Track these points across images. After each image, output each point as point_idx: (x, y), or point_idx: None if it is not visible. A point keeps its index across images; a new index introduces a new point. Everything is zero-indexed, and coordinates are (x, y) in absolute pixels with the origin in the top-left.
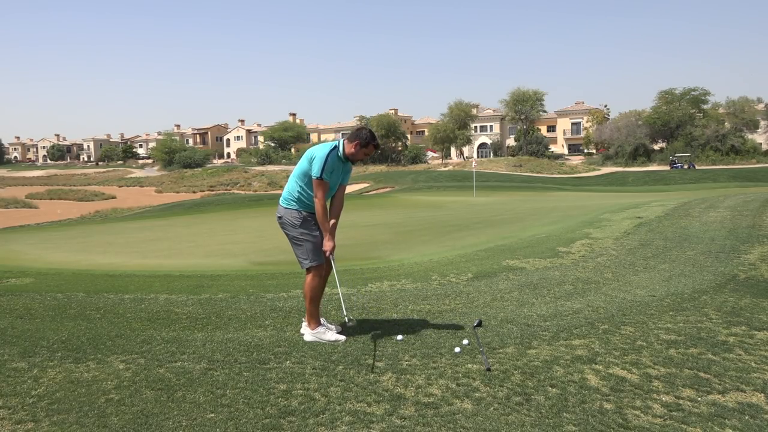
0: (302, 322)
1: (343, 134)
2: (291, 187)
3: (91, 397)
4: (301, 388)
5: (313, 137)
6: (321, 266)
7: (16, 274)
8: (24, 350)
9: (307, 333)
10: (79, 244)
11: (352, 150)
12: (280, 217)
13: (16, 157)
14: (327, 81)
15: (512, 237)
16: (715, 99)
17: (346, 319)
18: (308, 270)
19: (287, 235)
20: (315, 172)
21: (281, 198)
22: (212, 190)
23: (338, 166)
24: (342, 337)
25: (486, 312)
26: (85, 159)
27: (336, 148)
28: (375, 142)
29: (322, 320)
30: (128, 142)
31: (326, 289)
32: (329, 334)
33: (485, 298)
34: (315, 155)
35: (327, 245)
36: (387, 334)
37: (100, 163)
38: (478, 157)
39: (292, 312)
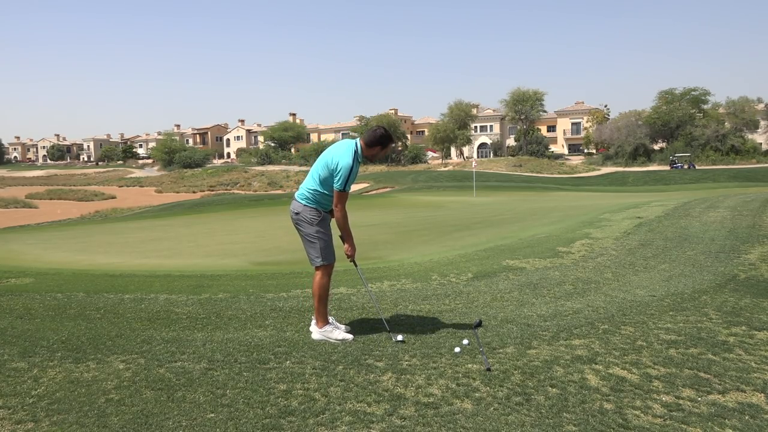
0: (312, 320)
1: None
2: (311, 188)
3: (91, 397)
4: (301, 388)
5: (313, 137)
6: (331, 265)
7: (16, 274)
8: (24, 350)
9: (315, 332)
10: (79, 244)
11: (373, 152)
12: (297, 213)
13: (16, 157)
14: (327, 81)
15: (512, 237)
16: (715, 99)
17: (392, 336)
18: (318, 268)
19: (301, 232)
20: (339, 185)
21: (298, 195)
22: (212, 190)
23: (357, 169)
24: (350, 336)
25: (486, 312)
26: (85, 159)
27: (356, 152)
28: (393, 142)
29: (330, 319)
30: (128, 142)
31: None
32: (337, 332)
33: (485, 298)
34: (339, 166)
35: (350, 251)
36: (387, 334)
37: (100, 163)
38: (478, 157)
39: (292, 312)
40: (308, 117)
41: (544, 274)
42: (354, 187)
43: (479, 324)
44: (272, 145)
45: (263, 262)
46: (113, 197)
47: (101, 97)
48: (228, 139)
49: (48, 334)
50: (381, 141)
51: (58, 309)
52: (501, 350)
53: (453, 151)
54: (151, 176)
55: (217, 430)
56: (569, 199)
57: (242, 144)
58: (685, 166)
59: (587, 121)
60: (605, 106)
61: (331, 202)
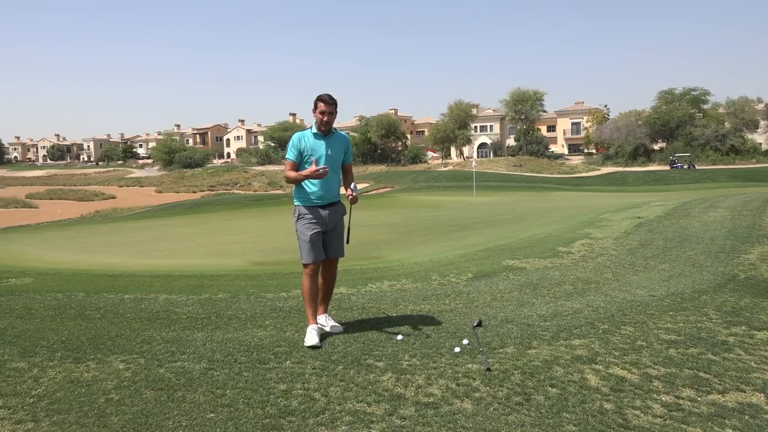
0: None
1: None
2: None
3: (91, 397)
4: (301, 388)
5: None
6: (310, 267)
7: (16, 274)
8: (24, 350)
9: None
10: (79, 244)
11: (317, 116)
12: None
13: (16, 157)
14: (327, 81)
15: (512, 237)
16: (715, 99)
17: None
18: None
19: None
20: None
21: None
22: (212, 190)
23: (316, 143)
24: (317, 344)
25: (486, 312)
26: (85, 159)
27: (308, 129)
28: (319, 96)
29: (324, 317)
30: (128, 142)
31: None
32: (310, 337)
33: (485, 298)
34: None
35: (313, 171)
36: (387, 334)
37: (100, 163)
38: (478, 157)
39: (292, 312)
40: (308, 117)
41: (544, 274)
42: None
43: (479, 324)
44: (272, 145)
45: (263, 262)
46: (113, 197)
47: (101, 97)
48: (228, 139)
49: (48, 334)
50: (315, 102)
51: (58, 309)
52: (501, 350)
53: (453, 151)
54: (152, 176)
55: (217, 430)
56: (569, 199)
57: (242, 144)
58: (685, 166)
59: (587, 121)
60: (605, 106)
61: (316, 189)
